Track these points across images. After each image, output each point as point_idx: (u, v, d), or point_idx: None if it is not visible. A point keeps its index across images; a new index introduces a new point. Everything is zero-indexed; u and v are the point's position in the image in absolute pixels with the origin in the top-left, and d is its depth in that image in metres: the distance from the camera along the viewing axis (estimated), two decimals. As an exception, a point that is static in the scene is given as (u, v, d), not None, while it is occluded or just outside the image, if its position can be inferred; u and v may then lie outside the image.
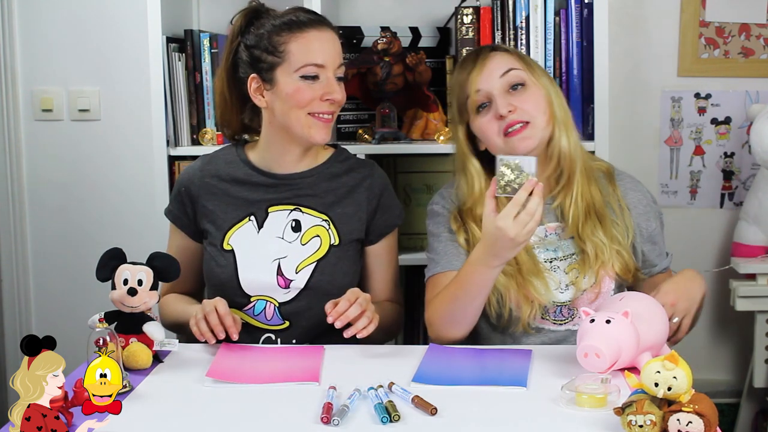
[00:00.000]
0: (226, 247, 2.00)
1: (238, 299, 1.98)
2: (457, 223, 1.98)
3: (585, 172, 1.95)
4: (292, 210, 2.00)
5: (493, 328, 1.97)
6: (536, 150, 1.91)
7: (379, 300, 2.04)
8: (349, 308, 1.76)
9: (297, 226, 1.99)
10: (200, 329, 1.80)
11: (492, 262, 1.77)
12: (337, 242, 1.99)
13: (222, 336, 1.80)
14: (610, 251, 1.91)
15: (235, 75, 2.00)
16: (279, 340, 1.99)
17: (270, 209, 2.01)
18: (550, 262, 1.95)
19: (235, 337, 1.80)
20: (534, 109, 1.91)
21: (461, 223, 1.97)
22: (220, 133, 2.16)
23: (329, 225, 1.99)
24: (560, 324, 1.96)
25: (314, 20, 1.95)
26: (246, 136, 2.11)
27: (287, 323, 1.98)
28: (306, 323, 1.98)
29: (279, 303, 1.98)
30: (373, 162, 2.12)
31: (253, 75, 1.95)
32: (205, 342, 1.81)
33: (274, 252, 1.98)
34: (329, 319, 1.76)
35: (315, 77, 1.92)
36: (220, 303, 1.83)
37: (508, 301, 1.90)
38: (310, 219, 2.00)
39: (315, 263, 1.97)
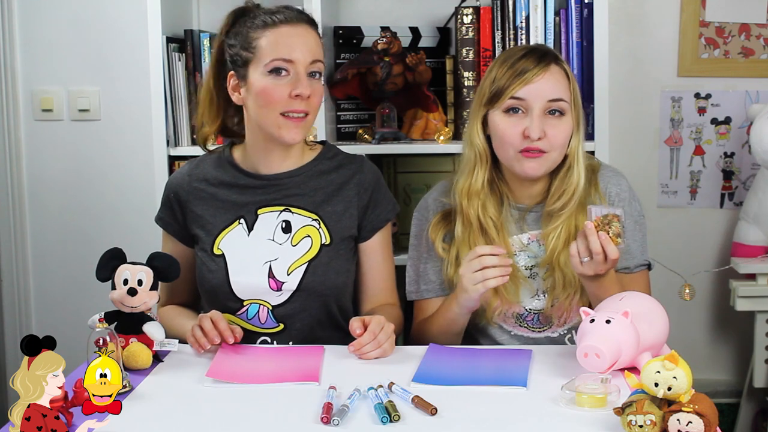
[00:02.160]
0: (216, 251, 1.98)
1: (231, 303, 1.97)
2: (441, 226, 1.99)
3: (578, 201, 1.94)
4: (281, 211, 1.98)
5: None
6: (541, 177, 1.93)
7: (378, 302, 2.03)
8: (369, 343, 1.76)
9: (287, 227, 1.97)
10: (194, 335, 1.79)
11: (453, 306, 1.89)
12: (328, 241, 1.97)
13: (217, 341, 1.78)
14: (576, 285, 1.92)
15: (219, 74, 1.98)
16: (275, 342, 1.98)
17: (259, 211, 1.99)
18: (530, 269, 1.96)
19: (230, 341, 1.78)
20: (558, 142, 1.88)
21: (449, 222, 1.99)
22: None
23: (319, 224, 1.97)
24: (539, 332, 1.98)
25: (291, 17, 1.92)
26: (228, 140, 2.08)
27: (282, 326, 1.97)
28: (300, 325, 1.97)
29: (272, 306, 1.97)
30: (362, 156, 2.08)
31: (231, 72, 1.94)
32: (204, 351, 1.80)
33: (264, 254, 1.97)
34: (350, 349, 1.76)
35: (283, 72, 1.88)
36: (214, 312, 1.83)
37: None
38: (300, 219, 1.98)
39: (306, 264, 1.96)
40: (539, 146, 1.86)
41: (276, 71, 1.88)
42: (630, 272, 1.96)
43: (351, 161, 2.04)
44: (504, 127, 1.89)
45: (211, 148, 2.08)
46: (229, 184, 2.01)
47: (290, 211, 1.98)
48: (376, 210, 2.02)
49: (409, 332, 2.11)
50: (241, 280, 1.97)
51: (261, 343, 1.98)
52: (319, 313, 1.98)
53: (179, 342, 1.76)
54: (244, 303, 1.97)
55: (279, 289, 1.96)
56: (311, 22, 1.96)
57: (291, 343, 1.97)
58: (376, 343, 1.75)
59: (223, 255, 1.98)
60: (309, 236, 1.97)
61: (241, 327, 1.92)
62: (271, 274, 1.96)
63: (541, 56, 1.90)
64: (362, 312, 2.04)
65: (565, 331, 1.97)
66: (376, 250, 2.03)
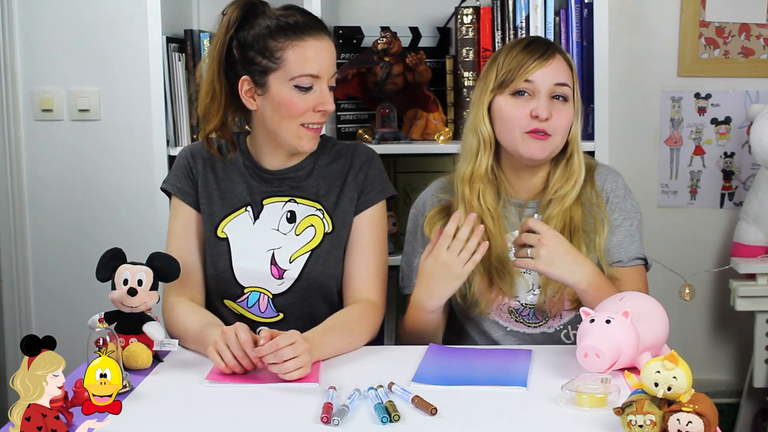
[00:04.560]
0: (220, 234, 1.98)
1: (232, 289, 1.97)
2: (437, 218, 2.00)
3: (577, 193, 1.96)
4: (287, 201, 1.99)
5: (459, 308, 2.00)
6: (543, 162, 1.96)
7: (356, 292, 1.97)
8: (271, 353, 1.63)
9: (292, 218, 1.98)
10: (225, 360, 1.67)
11: (428, 304, 1.88)
12: (331, 230, 1.98)
13: (250, 368, 1.69)
14: None
15: (226, 70, 1.94)
16: None
17: (265, 201, 1.99)
18: None
19: (248, 367, 1.69)
20: (561, 126, 1.93)
21: (446, 215, 1.98)
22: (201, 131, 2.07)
23: (323, 213, 1.99)
24: (535, 327, 1.98)
25: (312, 26, 1.91)
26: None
27: (281, 315, 1.97)
28: (300, 314, 1.97)
29: (272, 294, 1.97)
30: (357, 143, 2.11)
31: (245, 77, 1.91)
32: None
33: (268, 243, 1.97)
34: (252, 354, 1.66)
35: (309, 88, 1.89)
36: (240, 330, 1.68)
37: (473, 282, 1.95)
38: (304, 209, 1.99)
39: (309, 253, 1.96)
40: (545, 128, 1.90)
41: (303, 87, 1.88)
42: (623, 266, 1.96)
43: (347, 148, 2.05)
44: (510, 109, 1.93)
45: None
46: (240, 170, 2.01)
47: (295, 202, 1.99)
48: (367, 188, 2.01)
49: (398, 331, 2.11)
50: (243, 265, 1.96)
51: (259, 333, 1.94)
52: (319, 305, 1.98)
53: (179, 344, 1.76)
54: (245, 290, 1.97)
55: (281, 277, 1.96)
56: (329, 32, 1.95)
57: None
58: (277, 356, 1.63)
59: (226, 239, 1.98)
60: (313, 225, 1.98)
61: (241, 315, 1.95)
62: (273, 262, 1.96)
63: (548, 44, 1.98)
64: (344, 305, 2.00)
65: (561, 326, 1.98)
66: (359, 229, 1.99)
